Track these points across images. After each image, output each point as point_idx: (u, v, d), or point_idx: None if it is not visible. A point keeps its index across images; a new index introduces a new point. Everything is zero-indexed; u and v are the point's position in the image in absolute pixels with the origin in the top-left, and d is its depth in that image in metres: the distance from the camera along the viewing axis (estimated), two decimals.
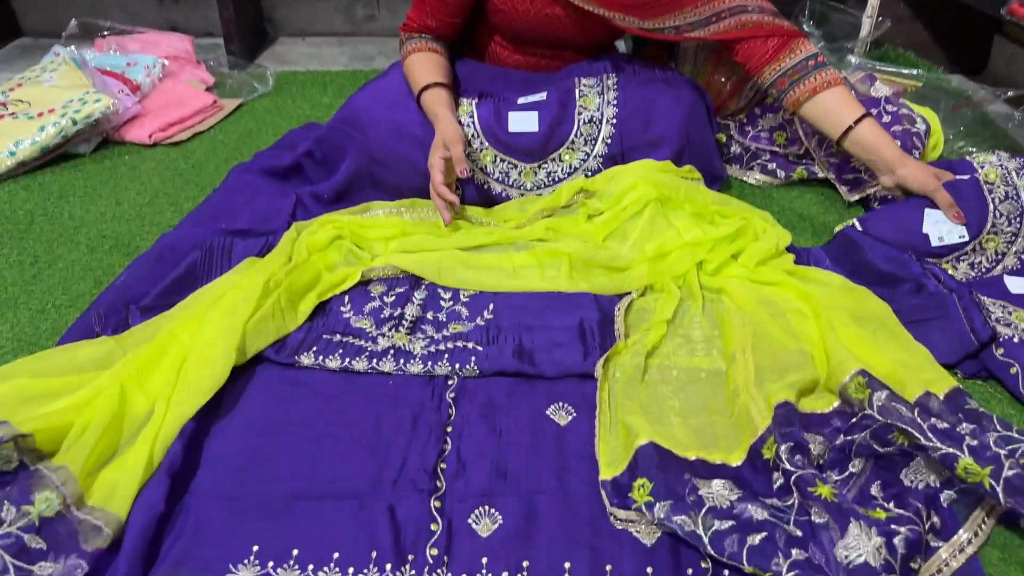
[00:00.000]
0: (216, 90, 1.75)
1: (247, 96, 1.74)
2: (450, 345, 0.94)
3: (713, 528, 0.68)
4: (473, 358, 0.92)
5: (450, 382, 0.90)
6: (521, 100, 1.20)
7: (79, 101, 1.45)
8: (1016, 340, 0.90)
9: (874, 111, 1.26)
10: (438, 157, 1.10)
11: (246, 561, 0.70)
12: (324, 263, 1.06)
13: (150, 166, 1.44)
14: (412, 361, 0.92)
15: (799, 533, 0.68)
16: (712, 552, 0.67)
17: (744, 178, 1.37)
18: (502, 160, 1.19)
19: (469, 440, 0.82)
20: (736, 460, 0.77)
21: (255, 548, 0.71)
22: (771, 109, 1.37)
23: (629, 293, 1.03)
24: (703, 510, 0.70)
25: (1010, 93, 1.56)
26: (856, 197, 1.27)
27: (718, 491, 0.72)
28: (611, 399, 0.86)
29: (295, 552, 0.71)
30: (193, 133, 1.57)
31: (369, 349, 0.94)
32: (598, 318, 0.98)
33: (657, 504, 0.70)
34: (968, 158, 1.15)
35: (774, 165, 1.36)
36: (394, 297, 1.04)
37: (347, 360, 0.92)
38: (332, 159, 1.26)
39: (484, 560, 0.70)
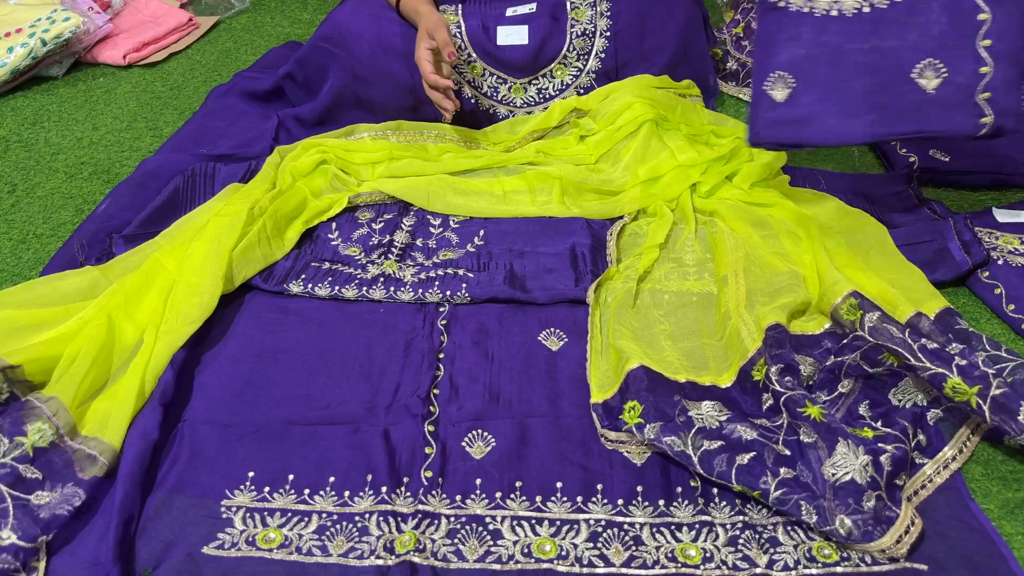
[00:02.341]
0: (191, 7, 1.68)
1: (223, 13, 1.67)
2: (440, 272, 0.93)
3: (702, 448, 0.69)
4: (464, 285, 0.91)
5: (441, 309, 0.90)
6: (509, 12, 1.15)
7: (47, 20, 1.38)
8: (1000, 262, 0.91)
9: None
10: (424, 48, 1.05)
11: (242, 486, 0.71)
12: (310, 189, 1.04)
13: (126, 89, 1.39)
14: (402, 289, 0.91)
15: (787, 452, 0.69)
16: (701, 471, 0.68)
17: (740, 95, 1.34)
18: (491, 74, 1.16)
19: (461, 366, 0.82)
20: (725, 382, 0.78)
21: (251, 474, 0.72)
22: None
23: (621, 217, 1.02)
24: (693, 431, 0.70)
25: None
26: None
27: (707, 412, 0.73)
28: (602, 324, 0.86)
29: (291, 477, 0.71)
30: (169, 53, 1.51)
31: (359, 277, 0.93)
32: (590, 243, 0.97)
33: (647, 425, 0.71)
34: None
35: None
36: (383, 224, 1.03)
37: (336, 288, 0.91)
38: (314, 80, 1.22)
39: (478, 481, 0.71)
